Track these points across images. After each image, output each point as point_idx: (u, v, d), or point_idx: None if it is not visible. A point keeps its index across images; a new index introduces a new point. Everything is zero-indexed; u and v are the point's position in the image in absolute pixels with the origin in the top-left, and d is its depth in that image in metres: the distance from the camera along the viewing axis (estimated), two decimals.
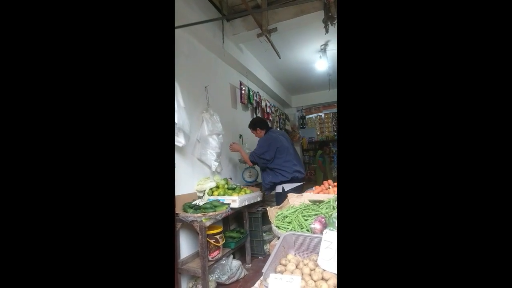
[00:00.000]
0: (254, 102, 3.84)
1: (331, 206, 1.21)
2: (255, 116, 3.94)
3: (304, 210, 1.25)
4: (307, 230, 1.09)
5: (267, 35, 2.70)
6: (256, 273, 2.38)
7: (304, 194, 1.59)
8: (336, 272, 0.80)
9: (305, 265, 0.87)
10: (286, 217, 1.23)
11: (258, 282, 0.83)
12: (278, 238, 1.09)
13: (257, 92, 4.06)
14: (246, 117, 3.73)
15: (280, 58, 3.41)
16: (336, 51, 3.70)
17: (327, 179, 1.90)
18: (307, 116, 7.13)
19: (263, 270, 0.81)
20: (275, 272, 0.84)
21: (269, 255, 2.85)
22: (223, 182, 2.44)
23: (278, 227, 1.18)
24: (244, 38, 3.02)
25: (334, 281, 0.78)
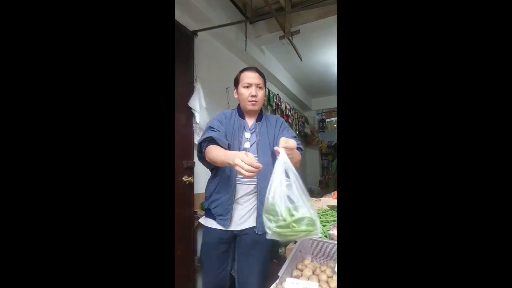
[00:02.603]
0: (273, 104, 3.84)
1: None
2: None
3: (322, 215, 1.23)
4: (325, 236, 1.07)
5: (290, 37, 2.70)
6: (270, 276, 2.37)
7: (323, 199, 1.56)
8: None
9: (322, 271, 0.85)
10: None
11: (274, 285, 0.82)
12: (295, 242, 1.08)
13: (277, 94, 4.06)
14: None
15: (301, 60, 3.38)
16: None
17: None
18: (327, 120, 7.00)
19: (279, 274, 0.81)
20: (291, 276, 0.83)
21: (283, 258, 2.83)
22: None
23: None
24: (267, 40, 3.03)
25: None
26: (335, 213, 1.23)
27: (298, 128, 5.13)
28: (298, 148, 1.08)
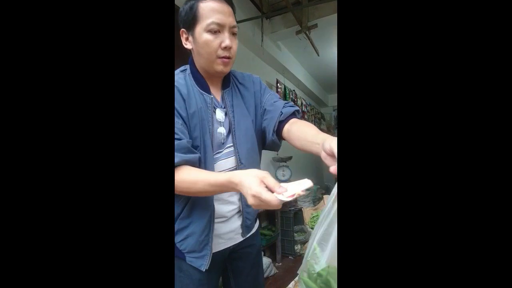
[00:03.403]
0: (289, 100, 3.81)
1: None
2: None
3: None
4: None
5: (307, 32, 2.65)
6: (285, 272, 2.37)
7: None
8: None
9: None
10: None
11: (292, 282, 0.82)
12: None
13: (293, 90, 4.01)
14: None
15: (318, 55, 3.32)
16: None
17: None
18: None
19: (298, 271, 0.80)
20: None
21: (299, 255, 2.81)
22: None
23: (313, 228, 1.16)
24: (283, 36, 3.00)
25: None
26: None
27: (315, 124, 5.06)
28: (296, 112, 0.76)
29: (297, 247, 2.71)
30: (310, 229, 1.16)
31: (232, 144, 0.73)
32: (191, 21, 0.66)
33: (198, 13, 0.64)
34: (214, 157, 0.71)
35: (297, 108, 0.76)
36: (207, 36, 0.65)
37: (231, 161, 0.74)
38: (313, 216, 1.24)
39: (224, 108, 0.74)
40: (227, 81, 0.77)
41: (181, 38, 0.69)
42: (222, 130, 0.72)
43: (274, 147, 0.80)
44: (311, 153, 0.60)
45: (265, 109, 0.78)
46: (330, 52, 3.70)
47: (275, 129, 0.74)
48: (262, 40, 2.67)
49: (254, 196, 0.48)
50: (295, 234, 2.72)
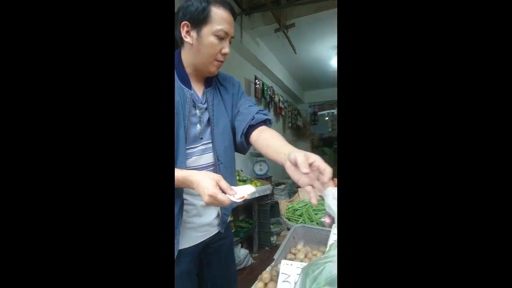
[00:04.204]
0: (267, 97, 3.87)
1: None
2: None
3: None
4: (317, 224, 1.14)
5: (285, 30, 2.72)
6: (262, 262, 2.47)
7: None
8: None
9: (313, 255, 0.93)
10: (297, 210, 1.29)
11: (269, 268, 0.89)
12: (288, 229, 1.15)
13: (271, 86, 4.08)
14: None
15: (296, 53, 3.41)
16: None
17: (336, 177, 1.94)
18: (319, 113, 7.09)
19: (275, 257, 0.88)
20: (286, 259, 0.90)
21: (275, 246, 2.91)
22: None
23: (289, 219, 1.24)
24: (262, 33, 3.04)
25: None
26: None
27: (291, 120, 5.19)
28: (267, 120, 0.79)
29: (273, 238, 2.83)
30: (286, 219, 1.24)
31: (210, 140, 0.77)
32: (201, 21, 0.68)
33: (210, 17, 0.68)
34: (187, 151, 0.73)
35: (269, 117, 0.81)
36: (213, 40, 0.69)
37: (208, 157, 0.77)
38: (289, 208, 1.33)
39: (205, 104, 0.77)
40: (210, 80, 0.80)
41: (181, 29, 0.70)
42: (199, 126, 0.75)
43: (242, 149, 0.84)
44: (275, 162, 0.66)
45: (239, 111, 0.82)
46: (307, 51, 3.82)
47: (243, 132, 0.78)
48: (241, 36, 2.70)
49: (210, 196, 0.55)
50: (272, 226, 2.83)
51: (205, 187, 0.56)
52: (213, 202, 0.56)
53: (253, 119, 0.78)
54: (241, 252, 2.30)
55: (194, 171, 0.63)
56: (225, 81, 0.84)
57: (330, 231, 0.95)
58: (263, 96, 3.75)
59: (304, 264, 0.80)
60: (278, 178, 3.72)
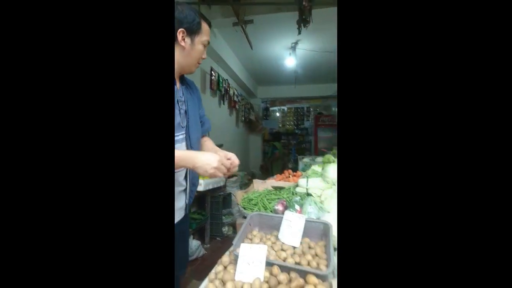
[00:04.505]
0: (222, 90, 3.87)
1: (291, 192, 1.39)
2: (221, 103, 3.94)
3: (267, 194, 1.42)
4: (270, 211, 1.25)
5: (243, 25, 2.75)
6: (213, 253, 2.52)
7: (267, 181, 1.76)
8: (293, 245, 0.98)
9: (267, 239, 1.03)
10: (252, 200, 1.38)
11: (227, 252, 0.96)
12: (244, 217, 1.24)
13: (227, 79, 4.09)
14: (214, 103, 3.77)
15: (252, 49, 3.49)
16: (305, 51, 3.91)
17: (287, 169, 2.11)
18: (271, 108, 7.36)
19: (233, 242, 0.95)
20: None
21: (227, 236, 2.98)
22: None
23: (245, 208, 1.33)
24: (220, 24, 3.02)
25: (290, 251, 0.95)
26: (278, 192, 1.43)
27: (244, 114, 5.29)
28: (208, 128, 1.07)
29: (225, 229, 2.91)
30: (242, 208, 1.33)
31: (185, 132, 0.93)
32: (195, 31, 0.87)
33: (201, 30, 0.88)
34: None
35: (209, 126, 1.10)
36: (201, 47, 0.91)
37: (183, 147, 0.92)
38: (244, 198, 1.42)
39: (182, 98, 0.94)
40: (183, 78, 0.99)
41: (178, 35, 0.85)
42: (179, 117, 0.91)
43: None
44: None
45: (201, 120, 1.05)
46: (263, 48, 3.93)
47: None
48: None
49: (219, 162, 0.77)
50: (224, 217, 2.90)
51: (209, 160, 0.76)
52: (216, 173, 0.76)
53: (206, 130, 1.07)
54: (193, 244, 2.31)
55: (188, 151, 0.84)
56: (191, 83, 1.05)
57: (282, 217, 1.07)
58: (218, 89, 3.74)
59: (262, 245, 0.89)
60: None
